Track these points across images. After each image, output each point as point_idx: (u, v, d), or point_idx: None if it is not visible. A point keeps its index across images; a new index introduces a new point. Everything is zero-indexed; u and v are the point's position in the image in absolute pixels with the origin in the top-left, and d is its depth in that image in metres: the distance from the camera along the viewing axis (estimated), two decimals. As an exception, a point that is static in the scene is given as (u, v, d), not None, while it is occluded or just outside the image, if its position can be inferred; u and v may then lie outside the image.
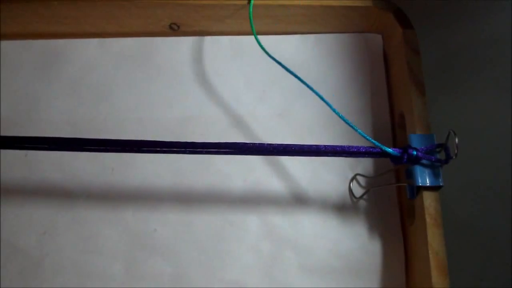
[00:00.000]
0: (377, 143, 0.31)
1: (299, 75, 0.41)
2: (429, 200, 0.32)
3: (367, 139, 0.32)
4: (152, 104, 0.39)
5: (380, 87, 0.40)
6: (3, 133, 0.37)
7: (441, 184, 0.32)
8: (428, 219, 0.32)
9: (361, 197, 0.36)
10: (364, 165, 0.37)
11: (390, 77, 0.40)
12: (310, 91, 0.40)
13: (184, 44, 0.41)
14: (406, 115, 0.36)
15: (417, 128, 0.34)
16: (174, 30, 0.41)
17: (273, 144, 0.31)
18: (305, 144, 0.31)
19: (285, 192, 0.37)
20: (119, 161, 0.37)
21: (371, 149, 0.32)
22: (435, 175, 0.32)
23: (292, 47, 0.41)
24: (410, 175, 0.33)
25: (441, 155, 0.33)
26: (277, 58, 0.41)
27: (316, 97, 0.40)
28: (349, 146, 0.32)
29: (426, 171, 0.32)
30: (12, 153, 0.37)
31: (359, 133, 0.32)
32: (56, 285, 0.34)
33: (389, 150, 0.32)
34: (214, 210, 0.36)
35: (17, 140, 0.31)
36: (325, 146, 0.31)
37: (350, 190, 0.37)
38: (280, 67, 0.41)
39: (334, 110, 0.32)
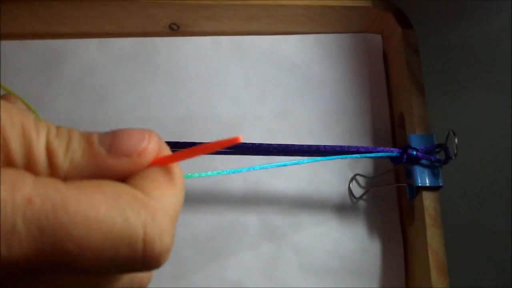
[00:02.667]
0: (376, 154, 0.31)
1: (298, 75, 0.41)
2: (428, 200, 0.32)
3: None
4: (152, 104, 0.39)
5: (380, 87, 0.40)
6: (3, 133, 0.37)
7: (440, 184, 0.32)
8: (427, 219, 0.32)
9: (360, 197, 0.36)
10: (364, 165, 0.37)
11: (390, 77, 0.40)
12: (310, 91, 0.40)
13: (184, 44, 0.41)
14: (405, 115, 0.36)
15: (416, 128, 0.34)
16: (174, 30, 0.41)
17: (273, 144, 0.31)
18: (305, 144, 0.31)
19: (285, 192, 0.37)
20: (119, 161, 0.37)
21: (371, 149, 0.32)
22: (434, 175, 0.32)
23: (292, 47, 0.41)
24: (410, 175, 0.33)
25: (440, 155, 0.33)
26: (277, 58, 0.41)
27: (316, 97, 0.40)
28: (349, 146, 0.32)
29: (426, 171, 0.32)
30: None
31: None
32: (56, 285, 0.34)
33: (388, 152, 0.32)
34: (214, 210, 0.36)
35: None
36: (325, 146, 0.31)
37: (350, 190, 0.37)
38: (280, 67, 0.41)
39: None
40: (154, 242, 0.14)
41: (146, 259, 0.14)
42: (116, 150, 0.16)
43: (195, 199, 0.36)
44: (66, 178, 0.14)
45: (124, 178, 0.16)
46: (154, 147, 0.16)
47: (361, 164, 0.37)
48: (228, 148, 0.31)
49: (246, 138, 0.38)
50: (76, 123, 0.38)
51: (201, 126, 0.38)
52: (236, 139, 0.16)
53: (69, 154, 0.15)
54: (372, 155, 0.32)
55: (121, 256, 0.14)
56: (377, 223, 0.36)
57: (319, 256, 0.35)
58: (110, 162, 0.15)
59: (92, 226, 0.13)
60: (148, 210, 0.14)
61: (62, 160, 0.14)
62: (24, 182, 0.13)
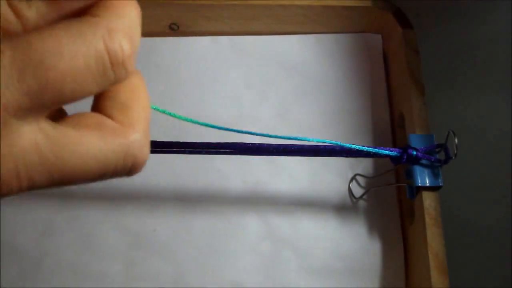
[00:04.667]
0: (376, 151, 0.31)
1: (299, 75, 0.41)
2: (428, 200, 0.32)
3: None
4: (151, 104, 0.39)
5: (380, 87, 0.40)
6: (3, 133, 0.37)
7: (440, 184, 0.32)
8: (427, 219, 0.32)
9: (361, 197, 0.36)
10: (364, 165, 0.37)
11: (389, 77, 0.40)
12: (310, 91, 0.40)
13: (184, 44, 0.41)
14: (405, 115, 0.36)
15: (416, 128, 0.34)
16: (174, 30, 0.41)
17: (273, 144, 0.31)
18: (305, 144, 0.31)
19: (285, 192, 0.37)
20: (119, 161, 0.37)
21: (371, 149, 0.32)
22: (434, 175, 0.32)
23: (292, 47, 0.41)
24: (410, 175, 0.33)
25: (440, 155, 0.33)
26: (277, 58, 0.41)
27: (316, 97, 0.40)
28: (349, 146, 0.31)
29: (426, 171, 0.32)
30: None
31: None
32: (56, 285, 0.34)
33: (388, 152, 0.32)
34: (214, 210, 0.36)
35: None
36: (325, 146, 0.31)
37: (350, 190, 0.37)
38: (280, 67, 0.41)
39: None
40: (116, 51, 0.17)
41: (114, 68, 0.17)
42: None
43: (195, 199, 0.36)
44: (37, 27, 0.16)
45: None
46: None
47: (361, 164, 0.37)
48: (228, 148, 0.31)
49: (246, 138, 0.38)
50: (76, 123, 0.38)
51: (200, 126, 0.38)
52: None
53: (33, 5, 0.16)
54: (372, 154, 0.32)
55: (93, 69, 0.16)
56: (377, 223, 0.36)
57: (319, 256, 0.35)
58: (69, 3, 0.17)
59: (62, 53, 0.15)
60: (103, 28, 0.16)
61: (28, 13, 0.16)
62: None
